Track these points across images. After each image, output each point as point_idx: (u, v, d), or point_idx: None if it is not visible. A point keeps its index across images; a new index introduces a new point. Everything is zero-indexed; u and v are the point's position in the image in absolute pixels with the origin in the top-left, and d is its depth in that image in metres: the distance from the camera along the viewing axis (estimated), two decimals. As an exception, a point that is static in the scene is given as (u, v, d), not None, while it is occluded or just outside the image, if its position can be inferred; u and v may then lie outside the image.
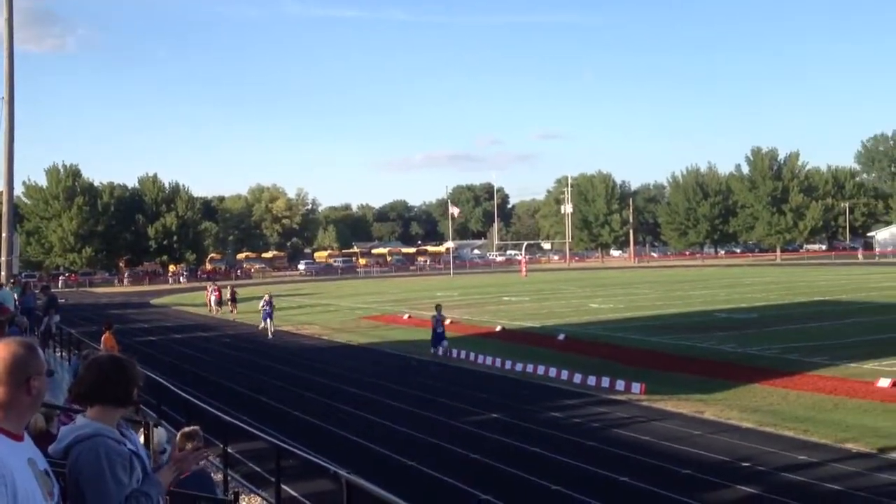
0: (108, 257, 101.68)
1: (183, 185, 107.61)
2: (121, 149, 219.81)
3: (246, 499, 11.19)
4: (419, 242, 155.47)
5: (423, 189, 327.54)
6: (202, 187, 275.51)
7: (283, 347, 30.56)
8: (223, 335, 36.09)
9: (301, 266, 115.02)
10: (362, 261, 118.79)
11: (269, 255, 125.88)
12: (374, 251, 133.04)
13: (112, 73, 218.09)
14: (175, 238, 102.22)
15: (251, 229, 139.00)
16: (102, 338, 18.72)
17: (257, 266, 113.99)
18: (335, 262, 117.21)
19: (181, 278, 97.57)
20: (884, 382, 17.76)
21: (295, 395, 19.79)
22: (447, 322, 33.49)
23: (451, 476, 12.22)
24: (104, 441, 3.56)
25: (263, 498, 10.89)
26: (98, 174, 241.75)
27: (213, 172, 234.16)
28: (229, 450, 11.21)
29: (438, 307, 26.45)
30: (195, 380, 21.95)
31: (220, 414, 11.23)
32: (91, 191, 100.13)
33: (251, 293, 62.97)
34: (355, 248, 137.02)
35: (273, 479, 9.41)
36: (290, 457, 9.93)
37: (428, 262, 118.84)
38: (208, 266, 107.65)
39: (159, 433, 8.32)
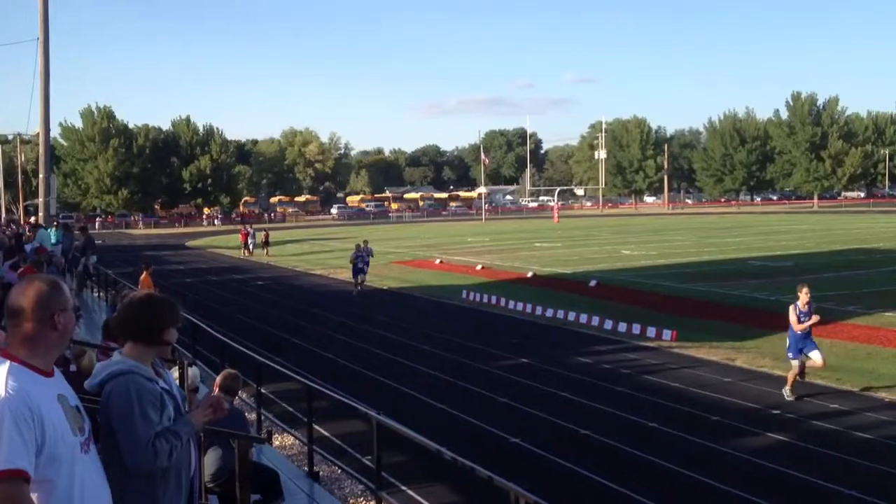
0: (144, 199, 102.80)
1: (217, 128, 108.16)
2: (154, 91, 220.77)
3: (279, 437, 11.41)
4: (451, 188, 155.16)
5: (456, 134, 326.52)
6: (236, 131, 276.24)
7: (314, 290, 30.86)
8: (257, 277, 36.50)
9: (334, 210, 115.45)
10: (394, 205, 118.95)
11: (301, 198, 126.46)
12: (407, 196, 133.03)
13: (144, 10, 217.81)
14: (209, 181, 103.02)
15: (284, 173, 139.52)
16: (140, 278, 19.00)
17: (290, 210, 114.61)
18: (367, 206, 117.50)
19: (215, 221, 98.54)
20: (919, 332, 17.56)
21: (327, 338, 20.01)
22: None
23: (479, 419, 12.34)
24: (135, 378, 3.63)
25: (296, 437, 11.10)
26: (132, 116, 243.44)
27: (246, 116, 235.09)
28: (263, 390, 11.40)
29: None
30: (230, 321, 22.26)
31: (253, 355, 11.39)
32: (126, 133, 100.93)
33: (284, 236, 63.52)
34: (387, 192, 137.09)
35: (305, 420, 9.56)
36: (321, 397, 10.07)
37: (460, 208, 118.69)
38: (242, 209, 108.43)
39: (193, 373, 8.46)
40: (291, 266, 41.39)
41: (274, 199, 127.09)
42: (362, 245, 28.75)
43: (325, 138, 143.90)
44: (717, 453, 10.60)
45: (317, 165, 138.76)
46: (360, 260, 28.26)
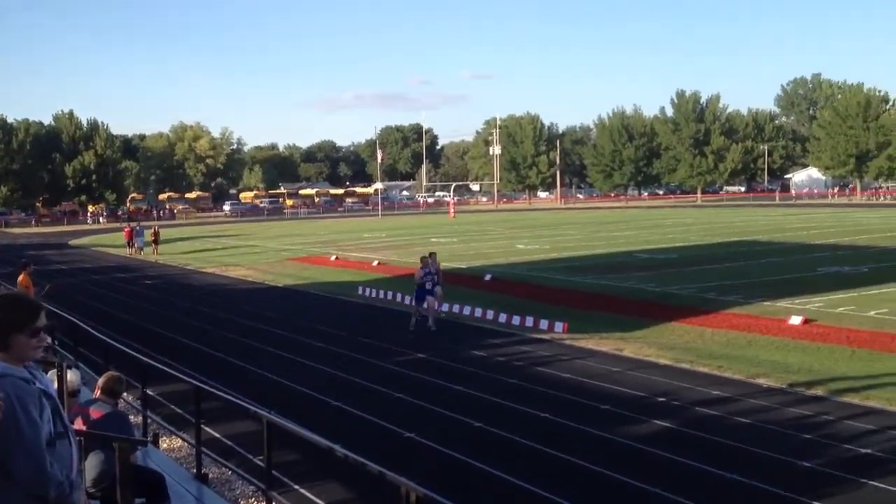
0: (25, 197, 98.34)
1: (102, 123, 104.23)
2: (34, 85, 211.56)
3: (167, 440, 11.11)
4: (347, 183, 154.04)
5: (352, 129, 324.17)
6: (122, 125, 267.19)
7: (206, 289, 30.16)
8: (144, 276, 35.43)
9: (226, 207, 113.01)
10: (289, 202, 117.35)
11: (192, 195, 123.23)
12: (302, 192, 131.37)
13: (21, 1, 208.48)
14: (94, 177, 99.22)
15: (174, 169, 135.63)
16: (18, 279, 18.18)
17: (180, 206, 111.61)
18: (261, 202, 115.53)
19: (100, 219, 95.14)
20: (795, 320, 18.43)
21: (218, 337, 19.60)
22: (375, 264, 33.46)
23: (375, 415, 12.31)
24: (11, 380, 3.45)
25: (183, 439, 10.82)
26: (11, 111, 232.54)
27: (133, 110, 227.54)
28: (150, 391, 11.07)
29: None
30: (114, 322, 21.54)
31: (138, 356, 11.04)
32: (4, 128, 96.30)
33: (174, 234, 61.84)
34: (282, 188, 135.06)
35: (193, 421, 9.33)
36: (210, 398, 9.85)
37: (356, 204, 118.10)
38: (129, 206, 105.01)
39: (74, 375, 8.14)
40: (181, 264, 40.35)
41: (163, 196, 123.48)
42: (429, 259, 20.68)
43: (216, 133, 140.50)
44: (607, 441, 10.87)
45: (208, 161, 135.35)
46: (429, 279, 20.08)
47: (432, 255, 21.13)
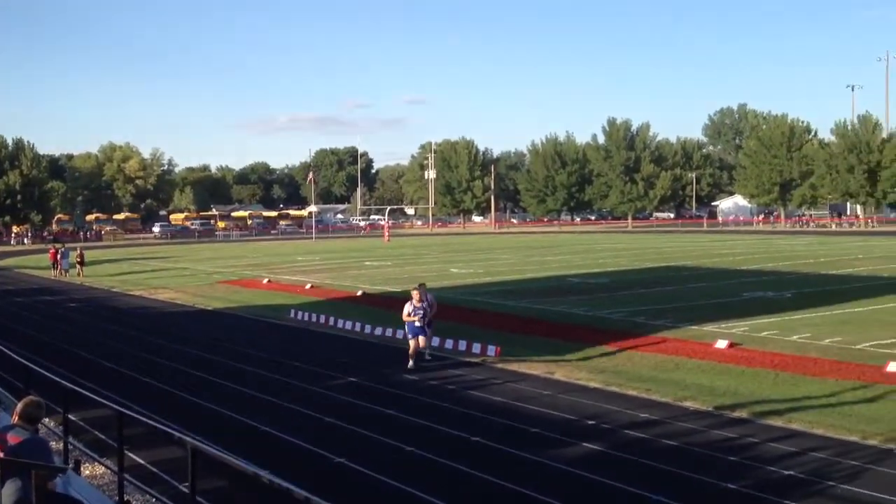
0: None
1: (28, 142, 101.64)
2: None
3: (89, 467, 10.79)
4: (281, 206, 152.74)
5: (287, 152, 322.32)
6: (49, 145, 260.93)
7: (133, 312, 29.50)
8: (69, 299, 34.51)
9: (156, 228, 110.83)
10: (221, 224, 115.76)
11: (121, 216, 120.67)
12: (234, 214, 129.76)
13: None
14: (19, 197, 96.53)
15: (102, 189, 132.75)
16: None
17: (108, 228, 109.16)
18: (192, 224, 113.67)
19: (25, 240, 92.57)
20: (721, 344, 18.82)
21: (144, 361, 19.15)
22: (308, 287, 33.17)
23: (304, 440, 12.15)
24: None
25: (106, 466, 10.52)
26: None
27: (61, 130, 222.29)
28: (72, 417, 10.75)
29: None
30: (36, 345, 20.90)
31: (59, 380, 10.72)
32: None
33: (101, 256, 60.40)
34: (214, 210, 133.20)
35: (117, 447, 9.08)
36: (134, 423, 9.60)
37: (290, 226, 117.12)
38: (55, 227, 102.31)
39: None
40: (108, 286, 39.42)
41: (90, 217, 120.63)
42: (418, 291, 18.32)
43: (146, 154, 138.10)
44: (537, 464, 10.91)
45: (138, 182, 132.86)
46: (418, 314, 17.96)
47: (422, 286, 18.74)
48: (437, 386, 15.98)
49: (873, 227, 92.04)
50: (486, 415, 13.53)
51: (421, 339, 18.01)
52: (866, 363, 16.49)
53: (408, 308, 18.12)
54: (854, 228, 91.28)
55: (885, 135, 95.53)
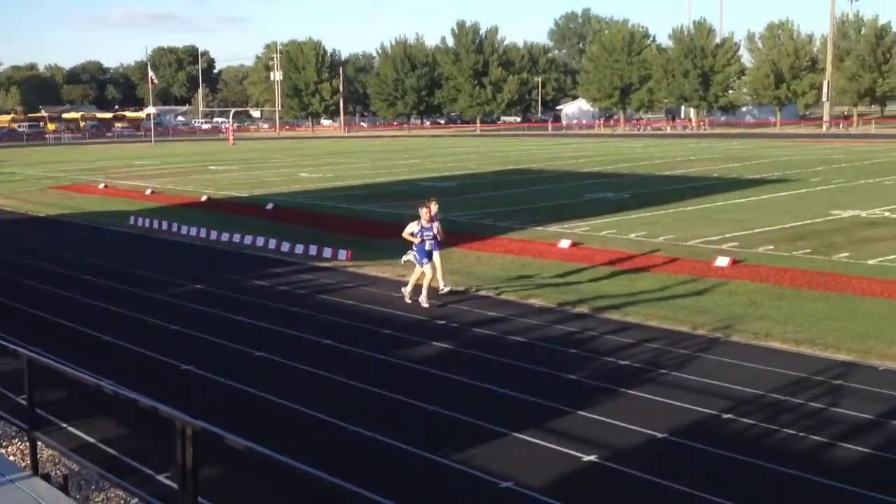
0: None
1: None
2: None
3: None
4: (116, 107, 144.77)
5: (121, 50, 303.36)
6: None
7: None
8: None
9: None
10: (51, 126, 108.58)
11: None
12: (66, 116, 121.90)
13: None
14: None
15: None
16: None
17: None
18: (20, 127, 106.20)
19: None
20: (564, 243, 19.50)
21: (-28, 273, 18.01)
22: (149, 192, 31.94)
23: (150, 349, 11.83)
24: None
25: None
26: None
27: None
28: None
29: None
30: None
31: None
32: None
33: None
34: (43, 112, 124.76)
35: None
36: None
37: (127, 129, 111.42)
38: None
39: None
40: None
41: None
42: (427, 208, 14.92)
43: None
44: (389, 364, 11.08)
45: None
46: (428, 235, 14.64)
47: (433, 201, 15.16)
48: (288, 291, 15.85)
49: (705, 129, 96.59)
50: (337, 318, 13.57)
51: (436, 263, 14.60)
52: (697, 258, 17.51)
53: (412, 227, 14.73)
54: (687, 131, 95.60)
55: (718, 40, 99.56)
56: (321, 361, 11.13)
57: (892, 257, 17.17)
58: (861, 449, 7.99)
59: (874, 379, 10.02)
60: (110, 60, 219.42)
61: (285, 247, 20.07)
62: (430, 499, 7.27)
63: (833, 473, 7.46)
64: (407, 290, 14.66)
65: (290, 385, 10.25)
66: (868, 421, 8.68)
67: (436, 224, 14.77)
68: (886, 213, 23.46)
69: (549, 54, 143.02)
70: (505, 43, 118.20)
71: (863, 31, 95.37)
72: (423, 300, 14.25)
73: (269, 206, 27.94)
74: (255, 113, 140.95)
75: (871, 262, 16.86)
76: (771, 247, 18.67)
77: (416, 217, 14.90)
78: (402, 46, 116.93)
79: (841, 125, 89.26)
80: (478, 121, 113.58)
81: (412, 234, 14.69)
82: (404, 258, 15.19)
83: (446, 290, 14.83)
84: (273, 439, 7.93)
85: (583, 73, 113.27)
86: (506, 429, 8.62)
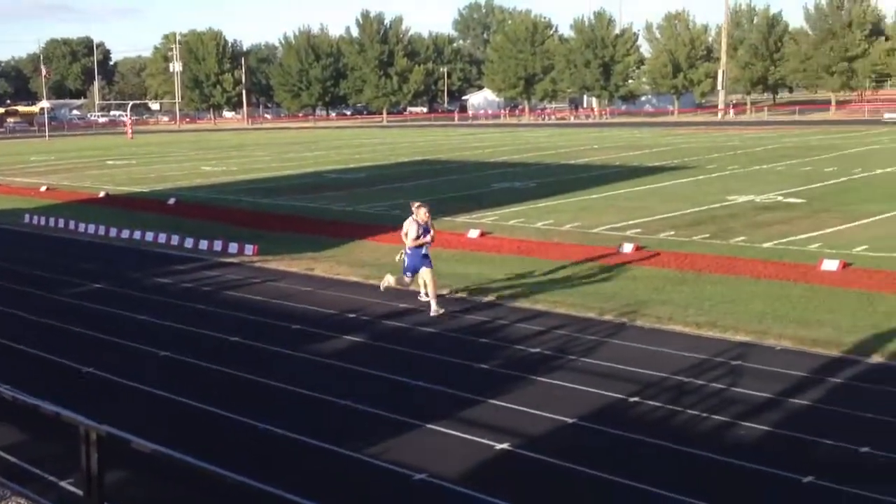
0: None
1: None
2: None
3: None
4: (8, 102, 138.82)
5: (11, 42, 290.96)
6: None
7: None
8: None
9: None
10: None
11: None
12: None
13: None
14: None
15: None
16: None
17: None
18: None
19: None
20: (473, 233, 19.63)
21: None
22: (43, 189, 30.86)
23: (50, 352, 11.40)
24: None
25: None
26: None
27: None
28: None
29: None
30: None
31: None
32: None
33: None
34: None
35: None
36: None
37: (19, 124, 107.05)
38: None
39: None
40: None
41: None
42: (420, 211, 13.40)
43: None
44: (299, 359, 10.95)
45: None
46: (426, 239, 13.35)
47: (420, 205, 13.57)
48: (193, 288, 15.50)
49: (607, 118, 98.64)
50: (245, 314, 13.34)
51: (427, 272, 13.08)
52: (602, 245, 17.87)
53: (411, 228, 13.17)
54: (590, 120, 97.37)
55: (618, 31, 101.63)
56: (229, 359, 10.92)
57: (785, 240, 17.87)
58: (761, 427, 8.30)
59: (771, 358, 10.42)
60: (0, 53, 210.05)
61: (189, 243, 19.62)
62: (344, 494, 7.23)
63: (735, 452, 7.72)
64: (433, 306, 12.87)
65: (197, 385, 10.04)
66: (767, 399, 9.02)
67: (431, 234, 13.32)
68: (779, 198, 24.39)
69: (454, 44, 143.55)
70: (410, 33, 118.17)
71: (755, 21, 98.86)
72: (433, 306, 12.85)
73: (171, 201, 27.30)
74: (155, 106, 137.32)
75: (765, 245, 17.52)
76: (672, 232, 19.20)
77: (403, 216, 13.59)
78: (306, 36, 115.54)
79: (727, 113, 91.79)
80: (384, 112, 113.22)
81: (406, 235, 13.15)
82: (398, 257, 13.67)
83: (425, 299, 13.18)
84: (180, 441, 7.76)
85: (487, 63, 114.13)
86: (418, 420, 8.63)
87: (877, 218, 20.51)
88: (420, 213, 13.29)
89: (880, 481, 7.05)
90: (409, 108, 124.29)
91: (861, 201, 23.30)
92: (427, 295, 13.19)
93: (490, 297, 14.00)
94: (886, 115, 77.50)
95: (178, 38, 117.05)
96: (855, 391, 9.31)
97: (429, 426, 8.51)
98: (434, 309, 12.82)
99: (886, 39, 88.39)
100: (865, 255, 16.05)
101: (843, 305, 12.63)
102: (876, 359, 10.28)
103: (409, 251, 13.18)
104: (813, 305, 12.73)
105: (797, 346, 10.83)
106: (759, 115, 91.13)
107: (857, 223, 19.93)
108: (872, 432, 8.08)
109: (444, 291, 14.53)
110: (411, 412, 8.84)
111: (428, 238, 13.23)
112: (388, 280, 13.78)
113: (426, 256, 13.18)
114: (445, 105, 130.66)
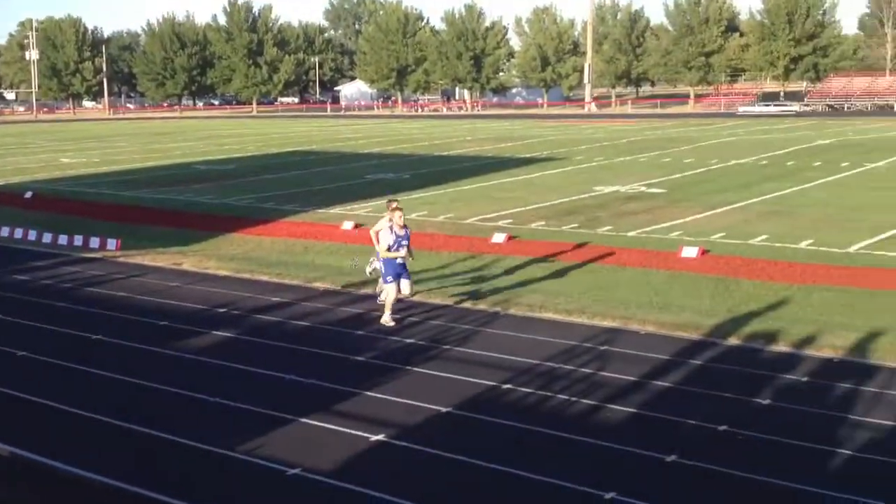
0: None
1: None
2: None
3: None
4: None
5: None
6: None
7: None
8: None
9: None
10: None
11: None
12: None
13: None
14: None
15: None
16: None
17: None
18: None
19: None
20: (347, 225, 19.52)
21: None
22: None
23: None
24: None
25: None
26: None
27: None
28: None
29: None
30: None
31: None
32: None
33: None
34: None
35: None
36: None
37: None
38: None
39: None
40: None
41: None
42: (395, 213, 12.07)
43: None
44: (165, 356, 10.62)
45: None
46: (398, 244, 12.00)
47: (395, 206, 12.28)
48: (51, 285, 14.80)
49: (479, 110, 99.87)
50: (108, 311, 12.83)
51: (405, 283, 12.03)
52: (475, 236, 18.10)
53: (387, 238, 11.98)
54: (463, 112, 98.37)
55: (488, 23, 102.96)
56: (92, 358, 10.48)
57: (649, 229, 18.57)
58: (627, 409, 8.60)
59: (637, 343, 10.81)
60: None
61: (47, 238, 18.72)
62: (217, 494, 7.06)
63: (603, 433, 7.98)
64: (386, 315, 11.86)
65: (58, 386, 9.59)
66: (632, 383, 9.35)
67: (407, 233, 12.10)
68: (642, 188, 25.31)
69: (326, 34, 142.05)
70: (280, 22, 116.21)
71: (618, 17, 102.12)
72: (387, 318, 11.79)
73: (28, 194, 26.02)
74: (10, 95, 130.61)
75: (630, 233, 18.16)
76: (543, 223, 19.64)
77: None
78: (171, 24, 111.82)
79: (589, 107, 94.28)
80: (254, 102, 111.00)
81: (378, 240, 12.11)
82: (369, 269, 12.79)
83: (392, 324, 11.75)
84: (42, 444, 7.41)
85: (359, 53, 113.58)
86: (292, 415, 8.52)
87: (733, 206, 21.58)
88: (396, 216, 11.91)
89: (739, 458, 7.43)
90: (281, 99, 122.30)
91: (718, 191, 24.46)
92: (383, 301, 12.08)
93: (365, 290, 13.94)
94: (741, 109, 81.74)
95: (34, 24, 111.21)
96: (714, 372, 9.77)
97: (303, 420, 8.42)
98: (386, 318, 11.82)
99: (741, 35, 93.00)
100: (722, 242, 16.87)
101: (703, 291, 13.24)
102: (732, 341, 10.82)
103: (382, 261, 12.00)
104: (674, 291, 13.28)
105: (660, 330, 11.28)
106: (622, 108, 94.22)
107: (714, 211, 20.91)
108: (730, 411, 8.51)
109: (321, 284, 14.42)
110: (284, 407, 8.71)
111: (403, 252, 11.90)
112: (386, 318, 11.85)
113: (403, 265, 11.97)
114: (318, 96, 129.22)
